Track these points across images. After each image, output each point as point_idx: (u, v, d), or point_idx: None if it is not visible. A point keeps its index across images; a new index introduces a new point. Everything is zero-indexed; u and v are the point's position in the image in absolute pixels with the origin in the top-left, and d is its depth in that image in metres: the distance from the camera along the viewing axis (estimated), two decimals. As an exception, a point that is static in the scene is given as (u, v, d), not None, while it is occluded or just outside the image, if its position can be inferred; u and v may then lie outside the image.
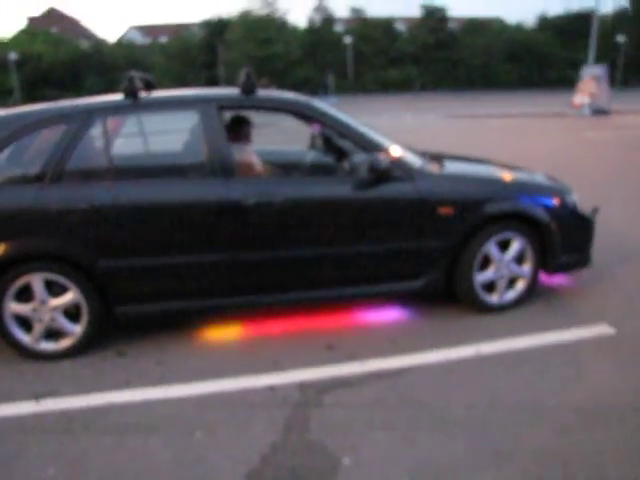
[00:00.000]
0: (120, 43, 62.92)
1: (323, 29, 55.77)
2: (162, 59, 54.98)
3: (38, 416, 2.93)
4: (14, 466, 2.55)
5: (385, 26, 58.18)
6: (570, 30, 55.89)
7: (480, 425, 2.72)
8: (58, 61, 53.03)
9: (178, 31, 57.69)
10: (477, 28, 57.90)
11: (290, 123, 4.12)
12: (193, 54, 54.82)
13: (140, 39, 68.14)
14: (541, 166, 5.96)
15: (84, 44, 59.26)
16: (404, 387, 3.07)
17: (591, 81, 23.97)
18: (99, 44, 61.01)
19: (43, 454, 2.62)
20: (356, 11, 58.92)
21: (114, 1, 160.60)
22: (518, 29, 61.37)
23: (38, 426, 2.85)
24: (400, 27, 61.12)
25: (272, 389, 3.08)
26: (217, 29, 56.13)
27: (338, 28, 58.46)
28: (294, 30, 56.90)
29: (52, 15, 73.53)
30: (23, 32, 60.94)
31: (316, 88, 53.10)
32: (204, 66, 55.55)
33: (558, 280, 4.51)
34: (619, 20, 56.72)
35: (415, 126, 19.32)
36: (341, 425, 2.74)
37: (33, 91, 49.86)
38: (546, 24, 60.58)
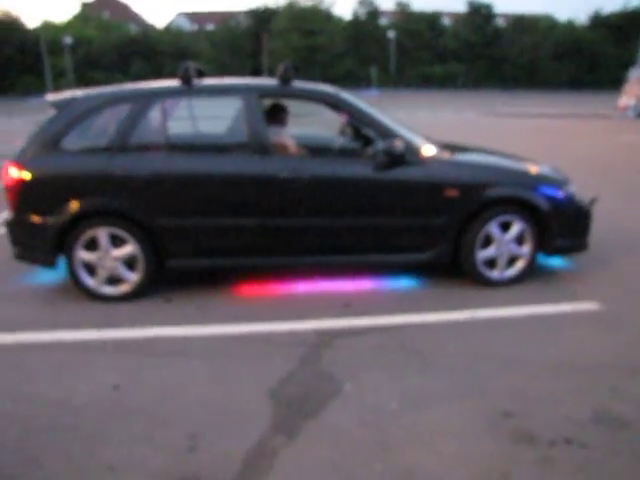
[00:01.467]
0: (167, 29, 64.31)
1: (367, 22, 55.90)
2: (208, 47, 55.97)
3: (100, 340, 3.62)
4: (82, 374, 3.21)
5: (430, 21, 57.97)
6: (626, 28, 54.36)
7: (463, 370, 3.25)
8: (108, 45, 54.69)
9: (225, 19, 58.60)
10: (525, 25, 57.05)
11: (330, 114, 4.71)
12: (239, 43, 55.65)
13: (187, 26, 69.46)
14: (565, 163, 6.39)
15: (133, 29, 60.91)
16: (404, 338, 3.62)
17: (638, 82, 23.72)
18: (147, 30, 62.53)
19: (105, 366, 3.28)
20: (401, 4, 58.81)
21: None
22: (569, 27, 60.10)
23: (100, 347, 3.53)
24: (445, 22, 60.85)
25: (293, 333, 3.68)
26: (263, 18, 56.88)
27: (382, 21, 58.55)
28: (339, 22, 57.17)
29: (105, 0, 75.67)
30: (76, 17, 63.07)
31: (359, 80, 53.38)
32: (249, 55, 56.39)
33: (558, 262, 4.98)
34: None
35: (453, 123, 19.67)
36: (347, 362, 3.32)
37: (84, 73, 51.70)
38: (600, 22, 59.03)
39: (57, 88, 45.24)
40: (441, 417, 2.78)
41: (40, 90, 45.47)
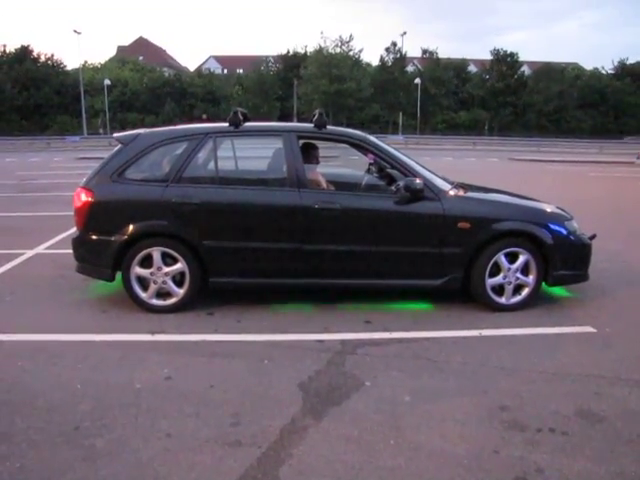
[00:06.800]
0: (199, 72, 66.84)
1: (395, 69, 57.38)
2: (239, 90, 57.93)
3: (152, 342, 4.21)
4: (139, 366, 3.77)
5: (456, 68, 59.34)
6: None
7: (468, 374, 3.73)
8: (142, 87, 57.15)
9: (254, 63, 60.62)
10: (551, 73, 57.78)
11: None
12: (268, 87, 57.50)
13: (218, 68, 72.07)
14: (578, 205, 6.91)
15: (166, 72, 63.50)
16: (418, 349, 4.13)
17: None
18: (180, 73, 65.11)
19: (159, 362, 3.85)
20: (428, 52, 60.34)
21: (197, 31, 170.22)
22: (594, 75, 60.75)
23: (153, 347, 4.11)
24: (471, 69, 62.18)
25: (320, 341, 4.22)
26: (292, 63, 58.87)
27: (409, 68, 60.07)
28: (367, 68, 58.75)
29: (140, 43, 79.20)
30: (113, 60, 66.22)
31: (385, 125, 54.60)
32: (278, 99, 58.21)
33: (561, 291, 5.46)
34: None
35: (476, 167, 20.29)
36: (367, 365, 3.83)
37: (117, 114, 54.03)
38: (625, 71, 59.53)
39: (92, 128, 47.36)
40: (447, 408, 3.27)
41: (76, 130, 47.75)
